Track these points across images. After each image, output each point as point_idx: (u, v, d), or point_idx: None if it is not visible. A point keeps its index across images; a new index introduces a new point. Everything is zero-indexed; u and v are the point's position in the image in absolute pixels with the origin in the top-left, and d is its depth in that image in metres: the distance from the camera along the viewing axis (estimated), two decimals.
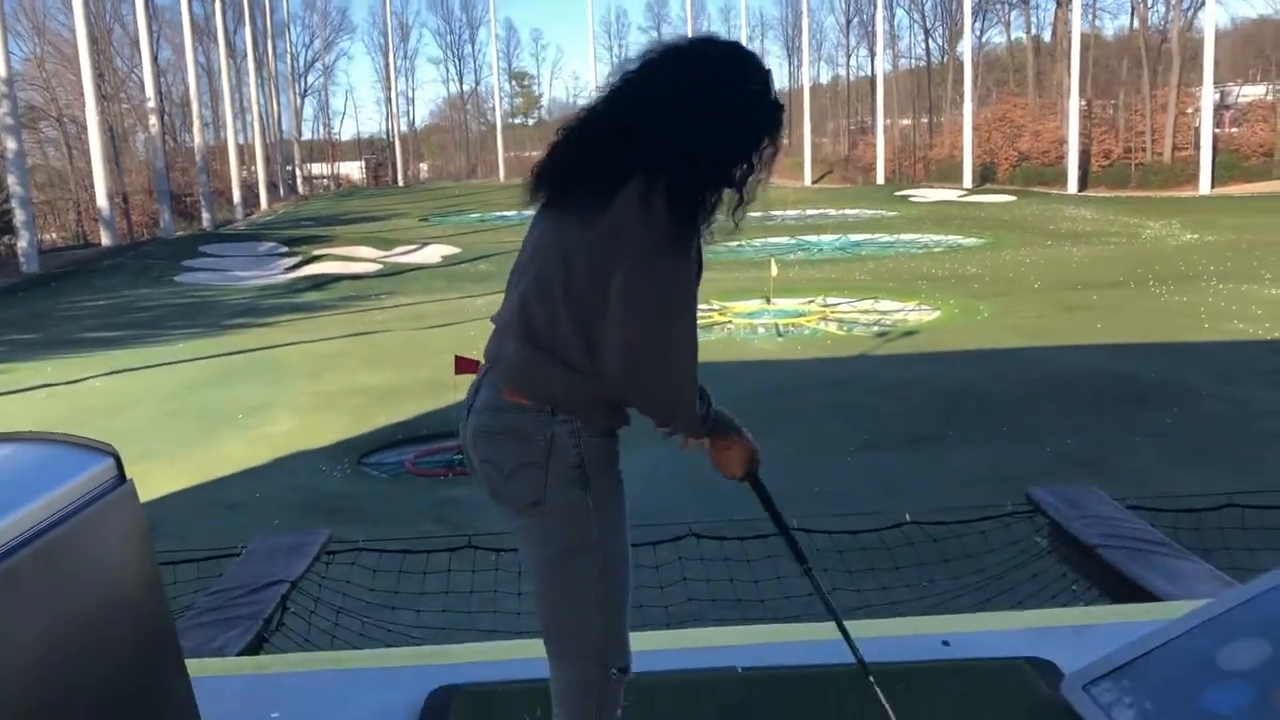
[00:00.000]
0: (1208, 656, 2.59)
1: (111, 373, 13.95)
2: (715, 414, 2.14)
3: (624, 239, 1.94)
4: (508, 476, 2.07)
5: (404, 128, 72.98)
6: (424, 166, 77.07)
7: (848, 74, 65.99)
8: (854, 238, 30.69)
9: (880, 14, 56.00)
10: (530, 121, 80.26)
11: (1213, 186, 40.14)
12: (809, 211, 38.44)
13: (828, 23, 68.49)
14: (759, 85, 2.07)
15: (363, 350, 15.08)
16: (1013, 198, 41.42)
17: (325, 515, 7.78)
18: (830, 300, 18.43)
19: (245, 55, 52.57)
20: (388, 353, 14.73)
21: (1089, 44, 47.94)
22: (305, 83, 71.26)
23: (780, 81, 67.76)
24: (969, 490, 7.51)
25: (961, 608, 4.22)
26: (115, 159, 38.66)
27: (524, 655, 3.38)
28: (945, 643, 3.13)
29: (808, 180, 54.67)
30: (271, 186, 52.78)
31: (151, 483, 8.40)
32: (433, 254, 29.40)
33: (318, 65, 72.36)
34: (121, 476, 2.53)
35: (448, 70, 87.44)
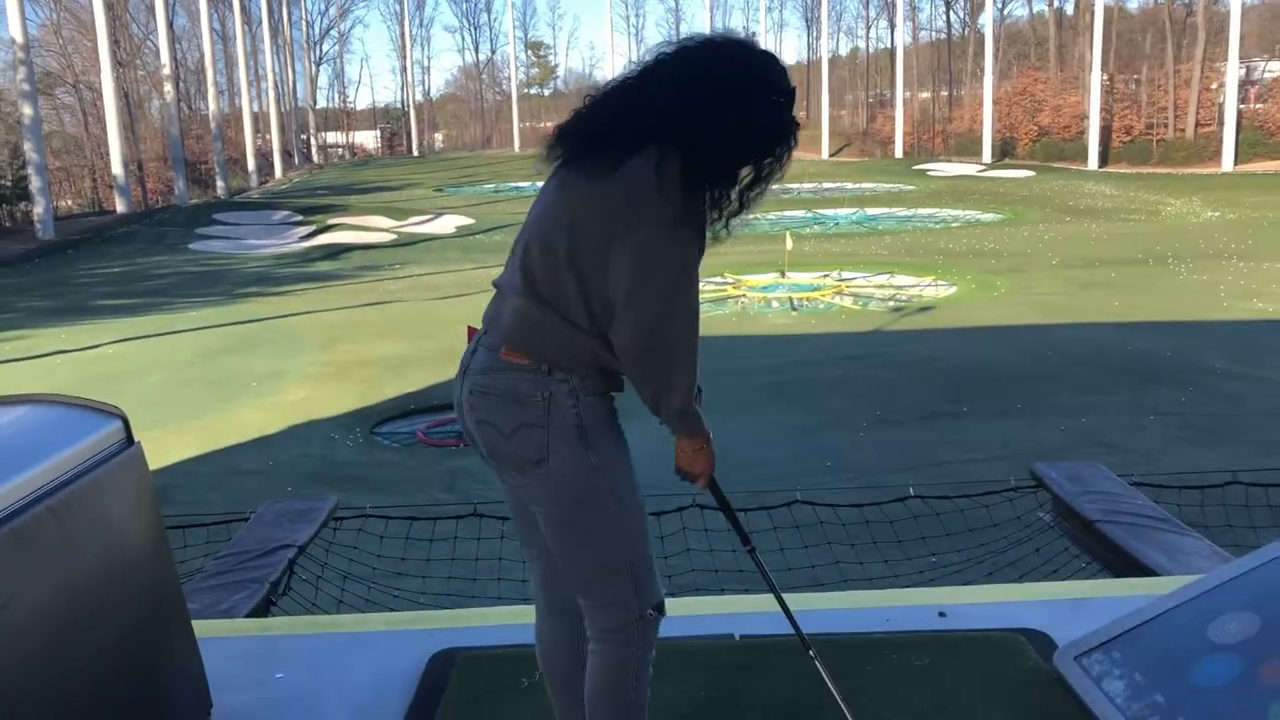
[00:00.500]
0: (1199, 629, 2.61)
1: (125, 340, 14.04)
2: (697, 414, 2.16)
3: (637, 206, 1.97)
4: (507, 437, 2.09)
5: (419, 97, 72.89)
6: (439, 136, 76.96)
7: (867, 46, 65.54)
8: (871, 212, 30.54)
9: None
10: (546, 92, 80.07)
11: (1236, 163, 39.73)
12: (826, 185, 38.24)
13: None
14: (784, 98, 2.10)
15: (376, 320, 15.14)
16: (1032, 173, 41.14)
17: (336, 484, 7.84)
18: (846, 275, 18.38)
19: (260, 22, 52.49)
20: (401, 323, 14.78)
21: (1112, 17, 47.36)
22: (320, 50, 71.17)
23: (799, 53, 67.31)
24: (981, 467, 7.52)
25: (963, 581, 4.25)
26: (130, 126, 38.72)
27: (526, 620, 3.42)
28: (942, 614, 3.16)
29: (825, 153, 54.34)
30: (286, 155, 52.79)
31: (163, 449, 8.50)
32: (447, 224, 29.42)
33: (333, 33, 72.26)
34: (130, 439, 2.58)
35: (463, 39, 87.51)
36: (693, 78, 2.03)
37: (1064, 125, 47.02)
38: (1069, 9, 54.97)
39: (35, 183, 26.89)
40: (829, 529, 4.82)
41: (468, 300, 16.41)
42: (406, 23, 71.04)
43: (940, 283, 17.39)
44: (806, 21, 67.77)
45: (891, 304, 15.72)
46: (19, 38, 25.89)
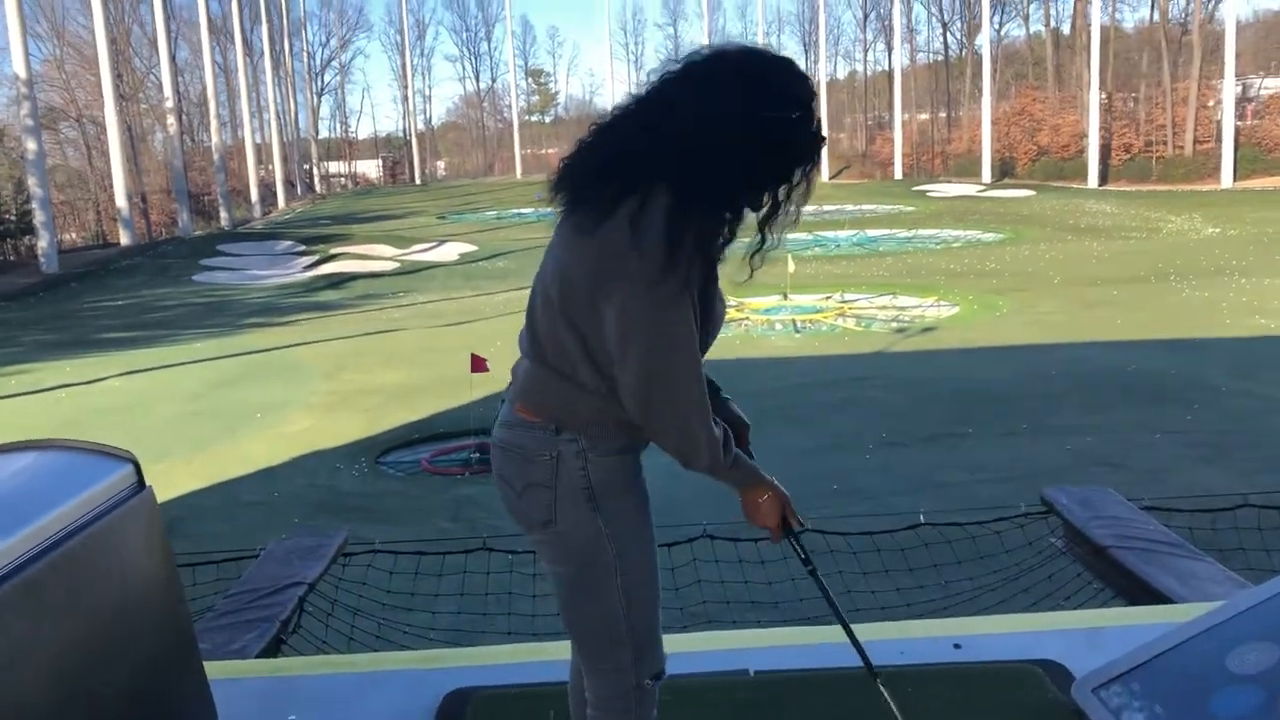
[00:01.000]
0: (1217, 660, 2.59)
1: (130, 372, 14.06)
2: (740, 460, 2.04)
3: (613, 259, 1.85)
4: (519, 495, 2.05)
5: (421, 125, 73.21)
6: (441, 164, 77.27)
7: (865, 69, 65.83)
8: (872, 233, 30.60)
9: (898, 8, 55.80)
10: (547, 119, 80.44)
11: (1235, 180, 39.80)
12: (826, 207, 38.30)
13: (845, 17, 68.36)
14: (800, 111, 1.93)
15: (380, 349, 15.16)
16: (1032, 192, 41.24)
17: (342, 514, 7.83)
18: (848, 296, 18.41)
19: (262, 54, 52.83)
20: (405, 351, 14.81)
21: (1109, 37, 47.60)
22: (322, 81, 71.61)
23: None
24: (988, 489, 7.50)
25: (976, 609, 4.22)
26: (134, 159, 38.91)
27: (539, 658, 3.41)
28: (957, 645, 3.14)
29: (825, 176, 54.46)
30: (289, 185, 53.01)
31: (170, 482, 8.50)
32: (450, 252, 29.51)
33: (334, 64, 72.68)
34: (141, 483, 2.58)
35: (464, 68, 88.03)
36: (695, 96, 1.86)
37: (1063, 144, 47.16)
38: (1065, 29, 55.25)
39: (39, 217, 27.00)
40: (840, 557, 4.80)
41: (471, 328, 16.45)
42: (407, 53, 71.48)
43: (942, 303, 17.41)
44: (804, 45, 68.00)
45: (894, 325, 15.73)
46: (22, 74, 26.07)
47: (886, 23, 60.28)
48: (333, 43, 71.51)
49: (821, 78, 58.44)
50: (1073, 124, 47.16)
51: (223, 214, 40.46)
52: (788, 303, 17.38)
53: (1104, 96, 44.86)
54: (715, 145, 1.84)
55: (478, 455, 9.86)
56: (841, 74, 67.58)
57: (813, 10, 62.51)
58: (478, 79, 78.12)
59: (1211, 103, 44.13)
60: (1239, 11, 41.48)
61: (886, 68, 60.50)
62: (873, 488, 8.11)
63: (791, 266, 17.44)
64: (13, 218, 30.00)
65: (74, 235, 37.61)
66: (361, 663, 3.58)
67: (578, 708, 2.31)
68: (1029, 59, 56.53)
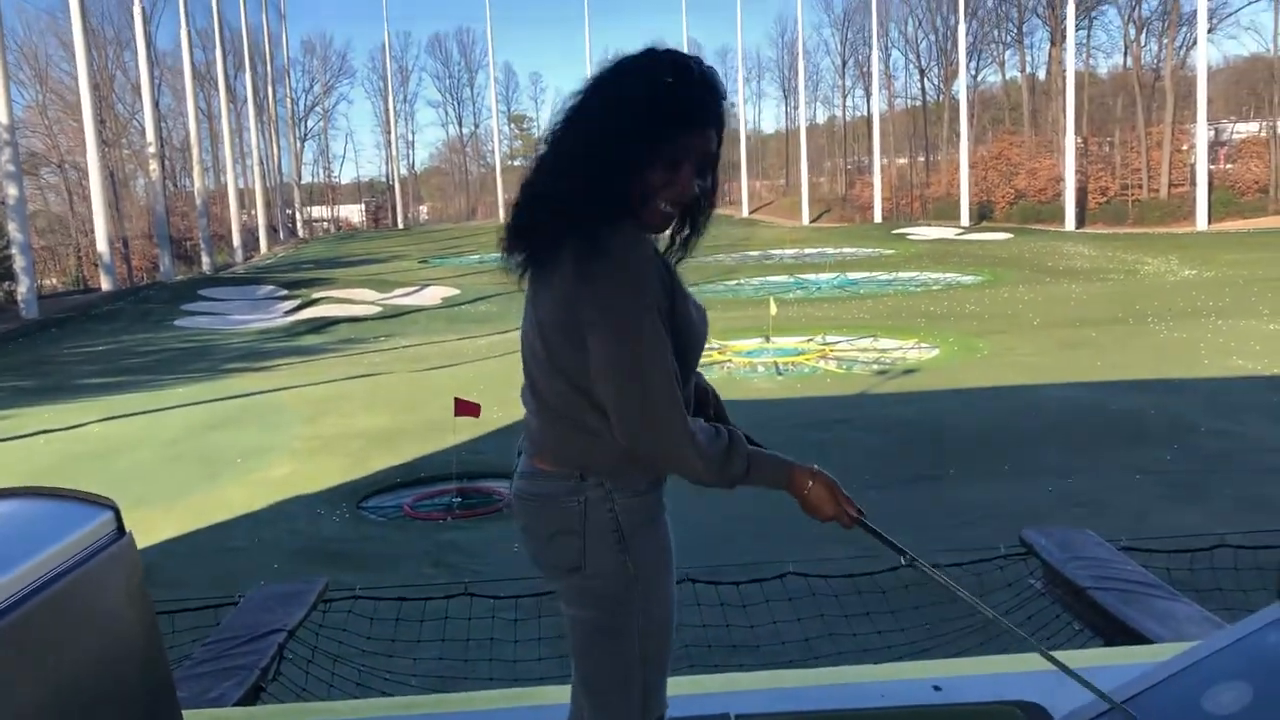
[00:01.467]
0: (1193, 700, 2.61)
1: (110, 418, 13.98)
2: (757, 458, 2.02)
3: (575, 302, 1.90)
4: (546, 542, 2.05)
5: (404, 170, 73.62)
6: (424, 208, 77.61)
7: (844, 114, 66.66)
8: (852, 276, 30.83)
9: (876, 55, 56.63)
10: (529, 162, 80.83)
11: (1209, 222, 40.36)
12: (807, 250, 38.67)
13: (824, 64, 69.37)
14: (666, 75, 1.91)
15: (362, 393, 15.13)
16: (1010, 235, 41.67)
17: (324, 560, 7.79)
18: (829, 338, 18.50)
19: (246, 100, 53.11)
20: (387, 395, 14.78)
21: (1084, 82, 48.42)
22: (305, 127, 72.00)
23: (778, 122, 68.34)
24: (970, 530, 7.52)
25: (956, 649, 4.23)
26: (116, 204, 38.94)
27: (521, 704, 3.40)
28: (937, 687, 3.15)
29: (806, 219, 54.99)
30: (271, 230, 53.07)
31: (150, 528, 8.44)
32: (433, 295, 29.56)
33: (318, 109, 73.12)
34: (121, 530, 2.57)
35: (447, 113, 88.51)
36: (564, 119, 1.97)
37: (1040, 188, 47.79)
38: (1041, 75, 56.19)
39: (19, 262, 26.93)
40: (822, 600, 4.81)
41: (454, 371, 16.45)
42: (390, 99, 72.00)
43: (923, 345, 17.52)
44: (784, 91, 68.96)
45: (876, 367, 15.81)
46: (4, 119, 26.10)
47: (865, 69, 61.19)
48: (316, 88, 72.07)
49: (802, 123, 59.21)
50: (1049, 168, 47.82)
51: (205, 259, 40.44)
52: (770, 345, 17.46)
53: (1080, 141, 45.55)
54: (583, 147, 1.92)
55: (459, 500, 9.83)
56: (821, 119, 68.45)
57: (792, 57, 63.47)
58: (460, 124, 78.77)
59: (1185, 147, 44.90)
60: (1210, 58, 42.28)
61: (865, 113, 61.30)
62: (854, 530, 8.11)
63: (773, 309, 17.55)
64: None
65: (54, 280, 37.51)
66: (342, 710, 3.55)
67: None
68: (1005, 104, 57.43)
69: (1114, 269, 28.88)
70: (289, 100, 66.76)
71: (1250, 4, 60.77)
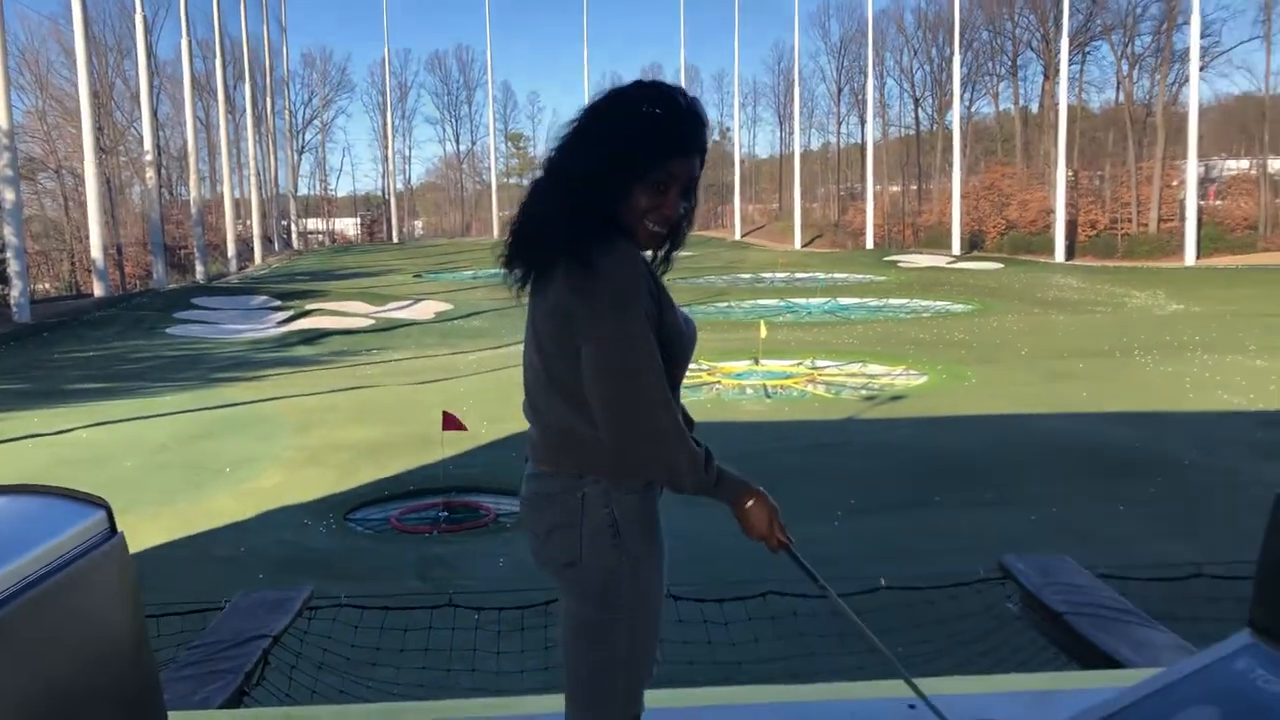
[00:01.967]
0: None
1: (99, 424, 13.97)
2: (723, 472, 2.12)
3: (569, 315, 2.02)
4: (545, 539, 2.13)
5: (400, 185, 73.81)
6: (419, 223, 77.72)
7: (838, 141, 67.09)
8: (843, 301, 30.97)
9: (871, 83, 56.99)
10: (525, 181, 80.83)
11: (1198, 258, 40.65)
12: (798, 275, 38.83)
13: (819, 91, 69.66)
14: (655, 107, 2.05)
15: (352, 405, 15.15)
16: (1000, 265, 41.90)
17: (309, 571, 7.79)
18: (818, 363, 18.59)
19: (244, 111, 53.20)
20: (377, 408, 14.80)
21: (1076, 116, 48.85)
22: (303, 139, 72.14)
23: (772, 147, 68.78)
24: (953, 556, 7.56)
25: (932, 672, 4.27)
26: (111, 211, 38.95)
27: (499, 713, 3.44)
28: (911, 706, 3.19)
29: (798, 244, 55.24)
30: (266, 241, 53.09)
31: (136, 535, 8.39)
32: (425, 310, 29.60)
33: (316, 122, 73.32)
34: (113, 529, 2.61)
35: (444, 130, 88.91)
36: (557, 146, 2.12)
37: (1030, 219, 48.08)
38: (1034, 108, 56.61)
39: (13, 266, 26.89)
40: (802, 620, 4.85)
41: (445, 385, 16.48)
42: (389, 114, 72.24)
43: (911, 372, 17.61)
44: (779, 117, 69.42)
45: (864, 393, 15.89)
46: (3, 124, 26.13)
47: (860, 97, 61.58)
48: (315, 102, 72.32)
49: (796, 148, 59.51)
50: (1040, 200, 48.14)
51: (198, 267, 40.42)
52: (759, 367, 17.54)
53: (1071, 174, 45.89)
54: (573, 168, 2.07)
55: (446, 514, 9.86)
56: (815, 145, 68.83)
57: (788, 83, 63.84)
58: (458, 141, 79.04)
59: (1175, 182, 45.24)
60: (1201, 95, 42.72)
61: (859, 140, 61.66)
62: (839, 554, 8.15)
63: (764, 332, 17.64)
64: None
65: (48, 285, 37.43)
66: (325, 715, 3.59)
67: None
68: (998, 135, 57.85)
69: (1102, 301, 29.06)
70: (287, 112, 66.91)
71: (1243, 43, 61.53)
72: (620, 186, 2.04)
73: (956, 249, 47.57)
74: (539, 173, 2.17)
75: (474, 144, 79.26)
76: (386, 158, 72.11)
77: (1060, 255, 44.04)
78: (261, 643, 4.40)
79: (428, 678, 4.88)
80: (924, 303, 29.99)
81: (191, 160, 42.30)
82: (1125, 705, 2.78)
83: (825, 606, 5.15)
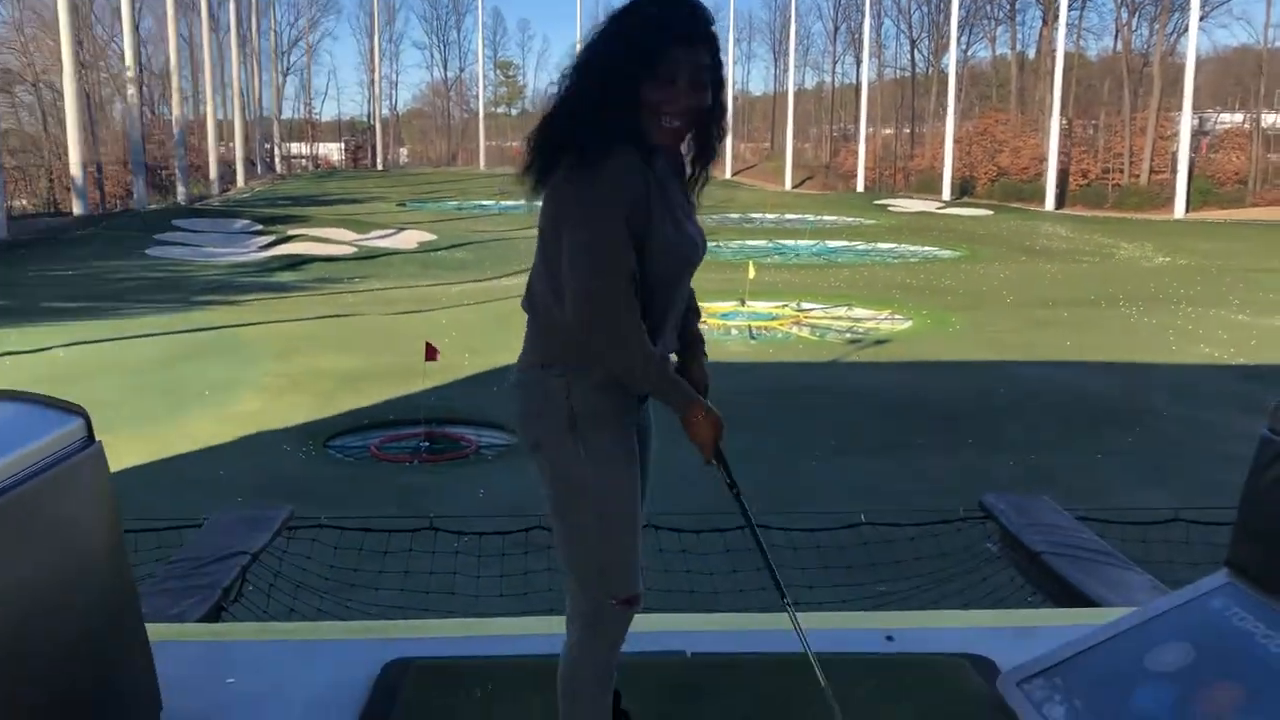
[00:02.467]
0: (1137, 658, 2.69)
1: (77, 343, 13.86)
2: (680, 383, 2.22)
3: (558, 201, 2.13)
4: (519, 422, 2.26)
5: (385, 111, 72.75)
6: (404, 151, 76.80)
7: (833, 80, 66.41)
8: (831, 244, 30.86)
9: (868, 22, 56.35)
10: (513, 111, 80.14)
11: (1187, 211, 40.63)
12: (788, 216, 38.64)
13: (815, 29, 69.11)
14: (651, 6, 2.12)
15: (333, 333, 15.06)
16: (990, 212, 41.79)
17: (288, 496, 7.74)
18: (804, 305, 18.55)
19: (228, 29, 52.16)
20: (358, 336, 14.72)
21: (1072, 64, 48.41)
22: (288, 61, 70.91)
23: (766, 84, 68.09)
24: (932, 499, 7.61)
25: (911, 607, 4.31)
26: (90, 127, 38.25)
27: (479, 633, 3.45)
28: (889, 638, 3.22)
29: (788, 184, 54.90)
30: (249, 164, 52.40)
31: (113, 456, 8.30)
32: (409, 239, 29.32)
33: (301, 44, 72.02)
34: (91, 437, 2.58)
35: (432, 56, 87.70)
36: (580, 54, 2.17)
37: (1022, 166, 47.88)
38: (1031, 54, 56.10)
39: None
40: (781, 553, 4.86)
41: (428, 316, 16.38)
42: (376, 37, 70.94)
43: (897, 317, 17.61)
44: (774, 54, 68.60)
45: (848, 336, 15.89)
46: None
47: (856, 36, 60.87)
48: (301, 22, 70.93)
49: (790, 87, 58.92)
50: (1033, 147, 47.90)
51: (180, 189, 39.89)
52: (745, 308, 17.49)
53: (1065, 122, 45.63)
54: (581, 80, 2.15)
55: (427, 444, 9.85)
56: (810, 84, 68.16)
57: (784, 20, 63.05)
58: (445, 68, 77.86)
59: (1169, 134, 45.04)
60: (1199, 46, 42.39)
61: (854, 81, 61.07)
62: (819, 494, 8.21)
63: (751, 272, 17.55)
64: None
65: (25, 202, 36.88)
66: (302, 631, 3.59)
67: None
68: (994, 81, 57.33)
69: (1090, 251, 29.06)
70: (273, 32, 65.71)
71: None
72: (628, 83, 2.09)
73: (947, 194, 47.40)
74: (555, 87, 2.22)
75: (462, 71, 78.23)
76: (373, 82, 71.02)
77: (1050, 204, 43.94)
78: (240, 560, 4.40)
79: (407, 600, 4.90)
80: (912, 248, 29.92)
81: (174, 78, 41.55)
82: (1105, 639, 2.80)
83: (806, 541, 5.20)
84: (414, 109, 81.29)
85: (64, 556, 2.36)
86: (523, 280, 2.36)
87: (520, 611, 4.45)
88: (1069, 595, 4.22)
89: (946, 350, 14.24)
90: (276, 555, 4.95)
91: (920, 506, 7.03)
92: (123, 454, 8.63)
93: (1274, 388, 10.50)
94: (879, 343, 15.23)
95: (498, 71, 79.30)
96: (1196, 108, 42.77)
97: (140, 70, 39.50)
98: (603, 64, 2.12)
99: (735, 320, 16.79)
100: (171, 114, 42.60)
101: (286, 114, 70.62)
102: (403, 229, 31.10)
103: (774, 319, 17.18)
